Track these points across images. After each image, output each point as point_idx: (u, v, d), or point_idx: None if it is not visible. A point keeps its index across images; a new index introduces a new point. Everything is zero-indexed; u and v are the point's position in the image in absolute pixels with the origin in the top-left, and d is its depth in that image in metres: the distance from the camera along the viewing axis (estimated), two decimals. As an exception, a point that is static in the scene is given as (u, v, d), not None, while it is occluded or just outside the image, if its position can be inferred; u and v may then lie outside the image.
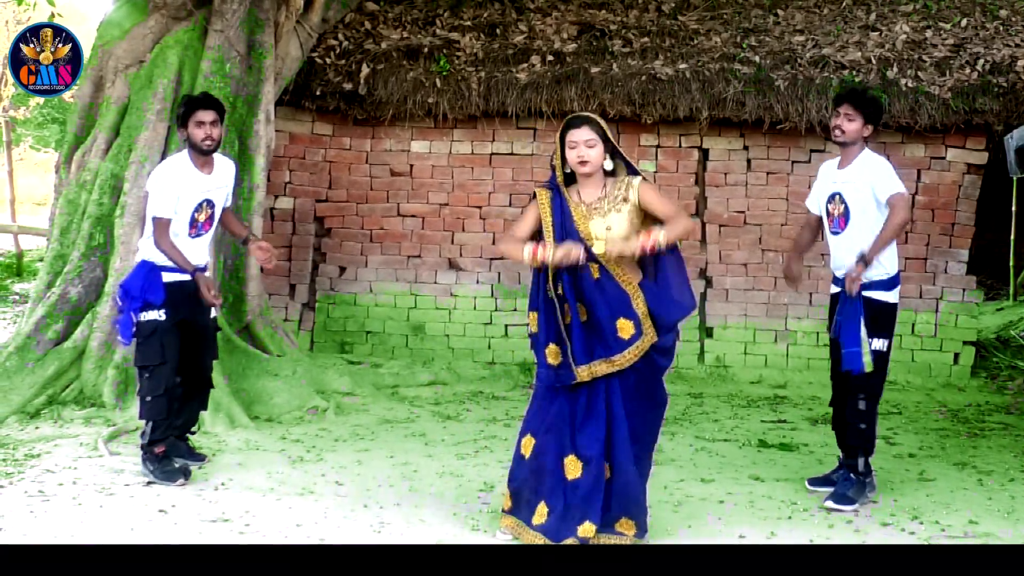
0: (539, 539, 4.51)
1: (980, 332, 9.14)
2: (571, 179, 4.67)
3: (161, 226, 5.45)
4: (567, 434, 4.55)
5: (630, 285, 4.55)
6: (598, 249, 4.53)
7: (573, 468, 4.53)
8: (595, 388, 4.56)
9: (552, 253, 4.42)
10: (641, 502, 4.64)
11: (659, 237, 4.42)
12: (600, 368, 4.53)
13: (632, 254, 4.48)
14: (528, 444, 4.64)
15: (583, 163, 4.56)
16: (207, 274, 5.72)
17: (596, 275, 4.51)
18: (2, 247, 16.71)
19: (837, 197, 5.45)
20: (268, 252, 5.72)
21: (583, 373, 4.53)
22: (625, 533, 4.57)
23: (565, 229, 4.56)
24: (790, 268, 5.84)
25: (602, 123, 4.63)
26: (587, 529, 4.48)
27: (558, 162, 4.63)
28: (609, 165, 4.62)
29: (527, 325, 4.75)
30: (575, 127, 4.57)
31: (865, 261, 5.25)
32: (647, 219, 4.61)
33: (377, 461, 6.02)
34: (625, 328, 4.51)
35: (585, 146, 4.55)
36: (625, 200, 4.57)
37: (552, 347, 4.57)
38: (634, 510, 4.60)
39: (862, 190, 5.34)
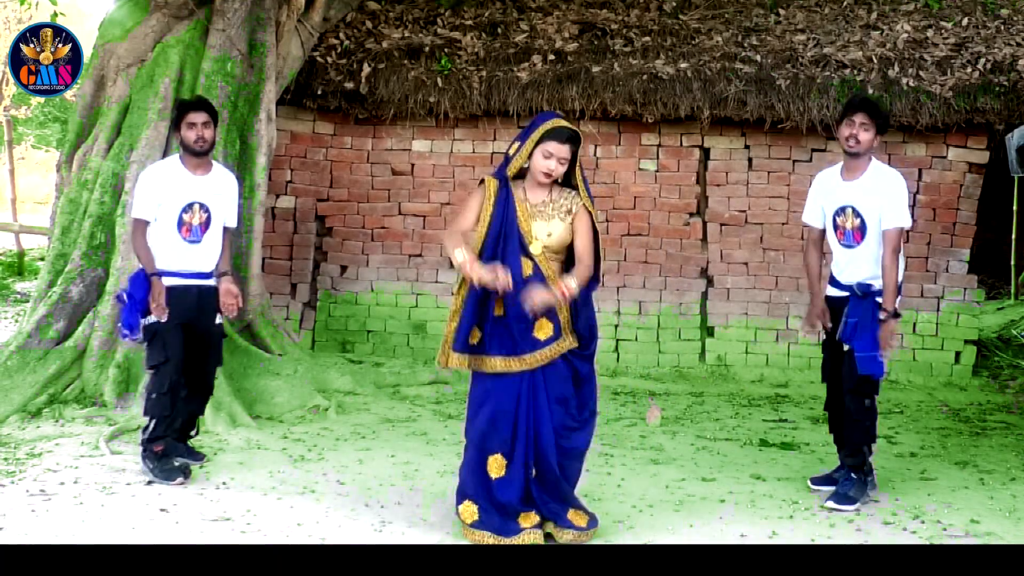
0: (486, 536, 4.49)
1: (981, 331, 9.14)
2: (517, 175, 4.64)
3: (138, 227, 5.55)
4: (489, 433, 4.54)
5: (556, 284, 4.55)
6: (535, 249, 4.54)
7: (496, 467, 4.54)
8: (517, 387, 4.53)
9: (480, 272, 4.38)
10: (575, 497, 4.67)
11: (572, 286, 4.46)
12: (511, 364, 4.52)
13: (549, 303, 4.45)
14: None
15: (548, 175, 4.55)
16: (214, 283, 5.70)
17: (528, 273, 4.52)
18: (3, 246, 16.71)
19: (850, 210, 5.35)
20: (234, 300, 5.65)
21: (496, 363, 4.52)
22: (576, 525, 4.60)
23: (505, 223, 4.55)
24: (819, 314, 5.58)
25: (581, 140, 4.63)
26: (531, 518, 4.53)
27: (523, 156, 4.55)
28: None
29: None
30: (559, 141, 4.51)
31: (895, 314, 5.28)
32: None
33: (378, 460, 6.02)
34: (543, 328, 4.53)
35: (559, 163, 4.54)
36: (568, 212, 4.59)
37: (476, 332, 4.58)
38: (575, 503, 4.66)
39: (877, 207, 5.28)
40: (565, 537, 4.58)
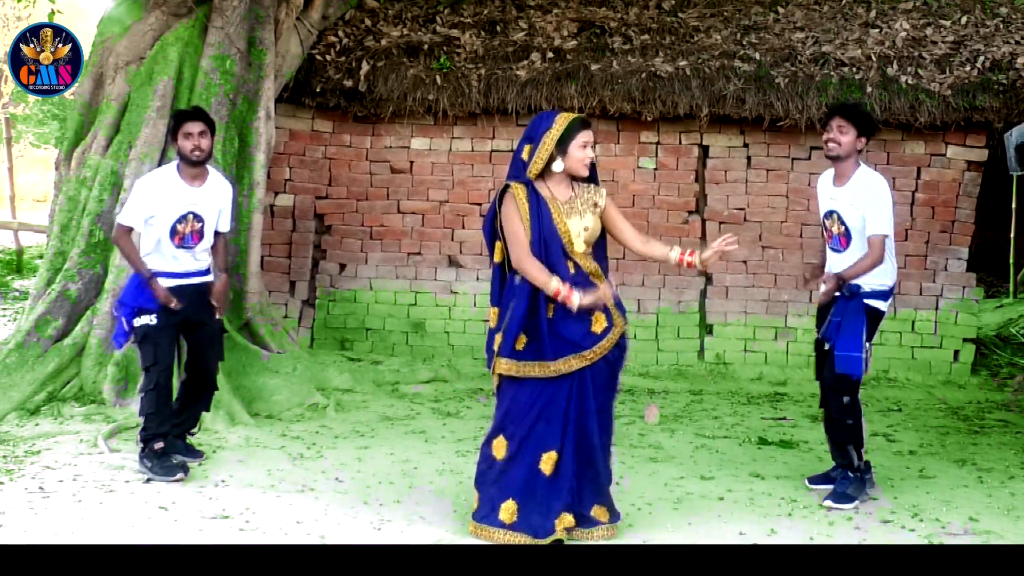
0: (521, 537, 4.49)
1: (980, 329, 9.14)
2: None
3: (121, 231, 5.59)
4: (544, 431, 4.55)
5: (601, 280, 4.65)
6: (578, 247, 4.59)
7: (549, 464, 4.55)
8: (568, 384, 4.57)
9: (579, 299, 4.45)
10: (608, 490, 4.75)
11: (698, 258, 4.69)
12: (573, 363, 4.55)
13: (602, 302, 4.54)
14: (500, 445, 4.63)
15: (586, 164, 4.62)
16: (210, 279, 5.73)
17: (571, 272, 4.55)
18: (2, 244, 16.70)
19: (835, 216, 5.40)
20: (222, 300, 5.74)
21: (560, 366, 4.54)
22: (601, 521, 4.67)
23: (543, 227, 4.56)
24: (813, 275, 5.83)
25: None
26: (566, 520, 4.55)
27: (543, 156, 4.56)
28: None
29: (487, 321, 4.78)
30: (588, 128, 4.63)
31: (840, 281, 5.29)
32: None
33: (377, 458, 6.02)
34: (598, 321, 4.59)
35: (592, 148, 4.62)
36: (596, 205, 4.67)
37: (522, 337, 4.60)
38: (604, 498, 4.72)
39: (858, 216, 5.31)
40: (595, 535, 4.61)
